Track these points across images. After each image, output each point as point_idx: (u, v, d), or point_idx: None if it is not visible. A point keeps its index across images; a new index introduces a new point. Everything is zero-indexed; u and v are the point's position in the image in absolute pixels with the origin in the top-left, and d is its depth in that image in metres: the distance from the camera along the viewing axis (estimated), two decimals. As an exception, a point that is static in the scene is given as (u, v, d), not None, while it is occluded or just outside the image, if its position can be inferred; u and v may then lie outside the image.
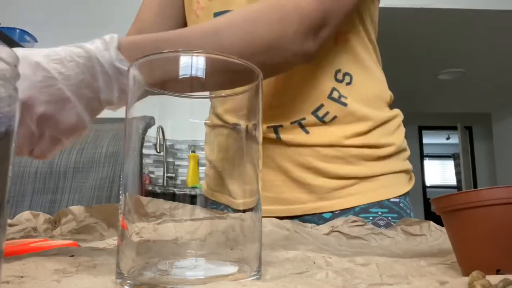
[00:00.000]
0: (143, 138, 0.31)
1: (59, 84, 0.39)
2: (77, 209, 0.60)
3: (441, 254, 0.40)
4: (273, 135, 0.67)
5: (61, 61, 0.39)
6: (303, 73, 0.65)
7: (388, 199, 0.66)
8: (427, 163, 7.84)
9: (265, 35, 0.51)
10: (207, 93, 0.33)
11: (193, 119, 0.30)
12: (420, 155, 6.75)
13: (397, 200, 0.67)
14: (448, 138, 8.40)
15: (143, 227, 0.29)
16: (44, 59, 0.39)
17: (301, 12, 0.53)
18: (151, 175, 0.38)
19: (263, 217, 0.33)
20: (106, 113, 0.49)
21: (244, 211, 0.31)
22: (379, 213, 0.65)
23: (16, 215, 0.61)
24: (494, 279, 0.24)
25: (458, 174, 7.12)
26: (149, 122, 0.30)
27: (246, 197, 0.31)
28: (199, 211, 0.31)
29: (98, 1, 2.70)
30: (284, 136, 0.66)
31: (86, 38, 0.43)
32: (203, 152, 0.40)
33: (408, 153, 0.73)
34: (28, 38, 2.45)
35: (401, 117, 0.74)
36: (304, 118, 0.66)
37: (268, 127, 0.67)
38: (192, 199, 0.31)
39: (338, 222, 0.56)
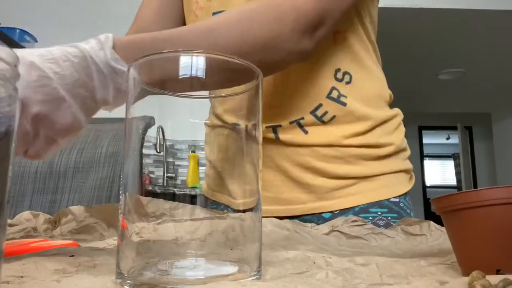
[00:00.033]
0: (143, 138, 0.31)
1: (54, 84, 0.39)
2: (77, 209, 0.60)
3: (441, 254, 0.40)
4: (272, 135, 0.67)
5: (55, 61, 0.39)
6: (302, 72, 0.65)
7: (388, 199, 0.66)
8: (427, 163, 7.84)
9: (262, 34, 0.51)
10: (207, 93, 0.33)
11: (193, 119, 0.30)
12: (420, 155, 6.75)
13: (397, 200, 0.67)
14: (448, 138, 8.40)
15: (143, 227, 0.29)
16: (38, 59, 0.39)
17: (298, 11, 0.53)
18: (151, 175, 0.38)
19: (263, 217, 0.33)
20: (106, 113, 0.49)
21: (244, 211, 0.31)
22: (379, 213, 0.65)
23: (16, 215, 0.61)
24: (494, 279, 0.24)
25: (458, 174, 7.12)
26: (149, 122, 0.30)
27: (246, 197, 0.31)
28: (199, 211, 0.31)
29: (98, 1, 2.70)
30: (283, 136, 0.66)
31: (86, 38, 0.43)
32: (203, 152, 0.40)
33: (408, 152, 0.73)
34: (28, 38, 2.45)
35: (401, 116, 0.74)
36: (302, 118, 0.66)
37: (266, 127, 0.67)
38: (192, 199, 0.31)
39: (338, 221, 0.56)
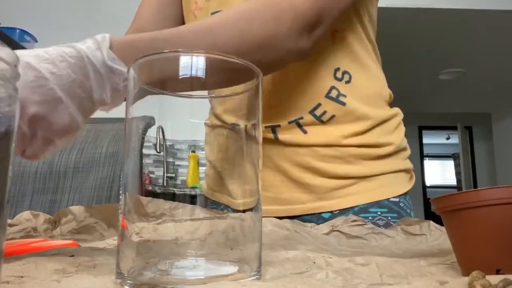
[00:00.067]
0: (143, 138, 0.31)
1: (51, 84, 0.39)
2: (77, 209, 0.60)
3: (441, 254, 0.40)
4: (271, 135, 0.67)
5: (52, 61, 0.39)
6: (300, 72, 0.65)
7: (388, 199, 0.66)
8: (427, 163, 7.84)
9: (260, 33, 0.51)
10: (207, 93, 0.33)
11: (193, 119, 0.30)
12: (420, 155, 6.75)
13: (397, 199, 0.67)
14: (448, 138, 8.40)
15: (143, 227, 0.29)
16: (34, 59, 0.38)
17: (296, 10, 0.53)
18: (151, 175, 0.38)
19: (262, 217, 0.33)
20: (106, 113, 0.49)
21: (244, 211, 0.31)
22: (379, 213, 0.65)
23: (16, 215, 0.61)
24: (494, 279, 0.24)
25: (458, 174, 7.12)
26: (149, 122, 0.30)
27: (246, 197, 0.31)
28: (199, 211, 0.31)
29: (98, 1, 2.70)
30: (282, 136, 0.66)
31: (86, 38, 0.43)
32: (203, 152, 0.40)
33: (408, 152, 0.73)
34: (28, 38, 2.45)
35: (401, 115, 0.74)
36: (301, 118, 0.66)
37: (266, 127, 0.67)
38: (192, 199, 0.31)
39: (338, 221, 0.56)
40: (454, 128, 6.43)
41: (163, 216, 0.31)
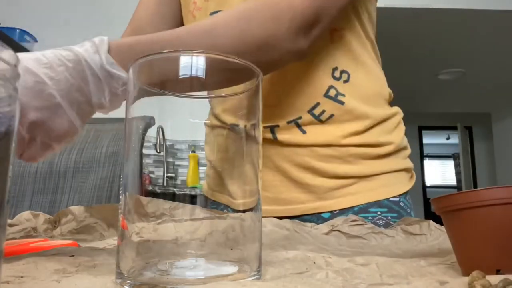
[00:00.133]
0: (143, 138, 0.31)
1: (50, 89, 0.38)
2: (77, 209, 0.60)
3: (441, 254, 0.40)
4: (269, 136, 0.67)
5: (50, 66, 0.39)
6: (298, 71, 0.65)
7: (388, 199, 0.66)
8: (427, 163, 7.84)
9: (259, 34, 0.51)
10: (206, 93, 0.33)
11: (193, 119, 0.30)
12: (420, 155, 6.75)
13: (397, 199, 0.67)
14: (448, 138, 8.40)
15: (143, 227, 0.29)
16: (33, 64, 0.38)
17: (294, 9, 0.53)
18: (151, 175, 0.38)
19: (262, 217, 0.33)
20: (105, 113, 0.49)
21: (244, 211, 0.31)
22: (378, 212, 0.65)
23: (16, 215, 0.61)
24: (494, 279, 0.24)
25: (458, 174, 7.12)
26: (149, 122, 0.30)
27: (246, 198, 0.31)
28: (199, 211, 0.31)
29: (98, 1, 2.70)
30: (281, 136, 0.66)
31: (86, 38, 0.43)
32: (203, 152, 0.40)
33: (408, 151, 0.73)
34: (28, 38, 2.45)
35: (400, 114, 0.73)
36: (300, 117, 0.66)
37: (264, 127, 0.67)
38: (192, 199, 0.31)
39: (338, 221, 0.56)
40: (454, 128, 6.43)
41: (163, 216, 0.31)
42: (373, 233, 0.53)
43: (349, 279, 0.29)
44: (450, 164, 8.39)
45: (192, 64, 0.29)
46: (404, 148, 0.71)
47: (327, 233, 0.54)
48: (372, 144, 0.67)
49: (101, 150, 1.09)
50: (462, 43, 3.63)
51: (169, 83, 0.30)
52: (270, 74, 0.65)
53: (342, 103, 0.66)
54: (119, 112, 0.44)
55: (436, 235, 0.50)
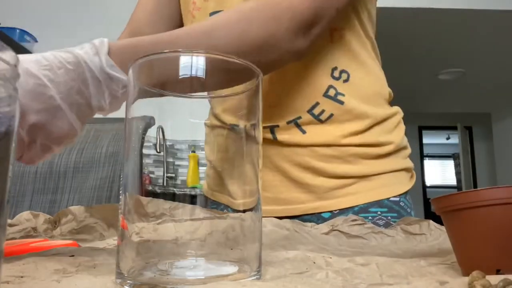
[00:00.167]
0: (143, 138, 0.31)
1: (50, 92, 0.38)
2: (77, 209, 0.60)
3: (441, 254, 0.40)
4: (269, 136, 0.67)
5: (50, 68, 0.39)
6: (298, 71, 0.65)
7: (388, 198, 0.66)
8: (427, 163, 7.84)
9: (259, 34, 0.51)
10: (206, 93, 0.33)
11: (193, 119, 0.30)
12: (420, 155, 6.75)
13: (397, 199, 0.67)
14: (448, 138, 8.40)
15: (143, 227, 0.29)
16: (34, 66, 0.38)
17: (294, 10, 0.53)
18: (151, 175, 0.38)
19: (262, 217, 0.33)
20: (106, 113, 0.49)
21: (244, 211, 0.31)
22: (379, 212, 0.65)
23: (16, 215, 0.61)
24: (494, 279, 0.24)
25: (458, 174, 7.12)
26: (149, 122, 0.30)
27: (246, 198, 0.31)
28: (199, 211, 0.31)
29: (98, 1, 2.70)
30: (281, 137, 0.66)
31: (86, 38, 0.43)
32: (203, 152, 0.40)
33: (408, 151, 0.73)
34: (28, 38, 2.45)
35: (400, 114, 0.73)
36: (300, 117, 0.66)
37: (264, 127, 0.66)
38: (192, 199, 0.31)
39: (337, 221, 0.56)
40: (454, 128, 6.43)
41: (163, 216, 0.31)
42: (373, 233, 0.53)
43: (349, 279, 0.29)
44: (450, 164, 8.39)
45: (192, 64, 0.29)
46: (404, 147, 0.71)
47: (327, 233, 0.54)
48: (372, 144, 0.67)
49: (101, 150, 1.09)
50: (462, 43, 3.63)
51: (169, 84, 0.30)
52: (269, 74, 0.65)
53: (341, 102, 0.66)
54: (119, 112, 0.44)
55: (436, 235, 0.50)
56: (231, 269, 0.29)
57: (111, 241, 0.49)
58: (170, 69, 0.30)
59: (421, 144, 6.83)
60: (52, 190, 1.05)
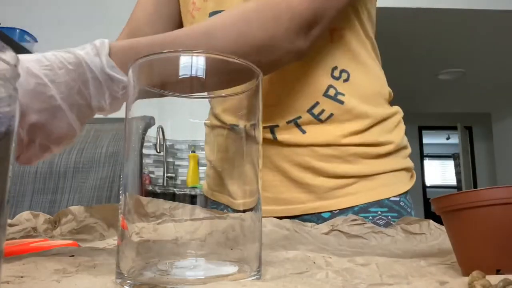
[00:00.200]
0: (143, 138, 0.31)
1: (51, 92, 0.38)
2: (77, 209, 0.60)
3: (441, 254, 0.40)
4: (269, 136, 0.67)
5: (51, 68, 0.39)
6: (298, 71, 0.65)
7: (388, 198, 0.66)
8: (427, 163, 7.84)
9: (259, 35, 0.51)
10: (206, 93, 0.33)
11: (193, 119, 0.30)
12: (420, 155, 6.75)
13: (397, 199, 0.67)
14: (448, 138, 8.41)
15: (143, 227, 0.29)
16: (35, 65, 0.38)
17: (293, 10, 0.53)
18: (151, 175, 0.38)
19: (262, 217, 0.33)
20: (106, 113, 0.48)
21: (244, 211, 0.31)
22: (379, 212, 0.65)
23: (16, 215, 0.61)
24: (494, 279, 0.24)
25: (458, 174, 7.12)
26: (149, 122, 0.30)
27: (246, 198, 0.31)
28: (199, 211, 0.31)
29: (98, 1, 2.70)
30: (281, 137, 0.66)
31: (86, 38, 0.43)
32: (203, 152, 0.40)
33: (409, 150, 0.73)
34: (28, 38, 2.45)
35: (401, 114, 0.73)
36: (300, 117, 0.66)
37: (264, 127, 0.66)
38: (192, 199, 0.31)
39: (337, 221, 0.56)
40: (454, 128, 6.44)
41: (163, 216, 0.31)
42: (373, 232, 0.53)
43: (349, 279, 0.29)
44: (450, 164, 8.39)
45: (192, 64, 0.29)
46: (404, 147, 0.71)
47: (327, 233, 0.54)
48: (372, 144, 0.67)
49: (101, 150, 1.09)
50: (462, 43, 3.63)
51: (169, 84, 0.30)
52: (269, 75, 0.65)
53: (341, 102, 0.66)
54: (119, 112, 0.44)
55: (436, 235, 0.50)
56: (231, 269, 0.29)
57: (111, 241, 0.49)
58: (170, 69, 0.30)
59: (421, 144, 6.83)
60: (52, 190, 1.05)
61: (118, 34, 0.77)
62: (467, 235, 0.28)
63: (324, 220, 0.64)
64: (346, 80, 0.66)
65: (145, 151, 0.31)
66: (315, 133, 0.66)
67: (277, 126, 0.66)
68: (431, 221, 0.53)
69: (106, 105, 0.43)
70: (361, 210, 0.65)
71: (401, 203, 0.67)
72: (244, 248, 0.30)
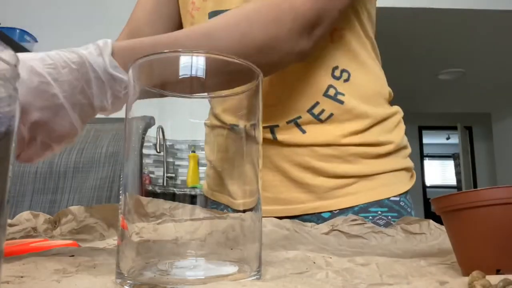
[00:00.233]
0: (143, 138, 0.31)
1: (54, 90, 0.39)
2: (77, 209, 0.60)
3: (441, 254, 0.40)
4: (269, 136, 0.67)
5: (55, 67, 0.39)
6: (298, 71, 0.65)
7: (388, 198, 0.66)
8: (427, 163, 7.84)
9: (260, 36, 0.51)
10: (206, 93, 0.33)
11: (193, 119, 0.30)
12: (420, 155, 6.75)
13: (397, 198, 0.67)
14: (448, 138, 8.40)
15: (143, 227, 0.29)
16: (39, 64, 0.38)
17: (296, 11, 0.53)
18: (151, 175, 0.38)
19: (262, 217, 0.33)
20: (106, 113, 0.49)
21: (244, 211, 0.31)
22: (379, 212, 0.65)
23: (16, 215, 0.61)
24: (494, 279, 0.24)
25: (458, 174, 7.12)
26: (149, 122, 0.30)
27: (246, 198, 0.31)
28: (199, 211, 0.31)
29: (98, 1, 2.70)
30: (281, 137, 0.66)
31: (86, 38, 0.43)
32: (203, 152, 0.40)
33: (409, 150, 0.73)
34: (28, 38, 2.45)
35: (401, 113, 0.73)
36: (300, 117, 0.66)
37: (264, 127, 0.66)
38: (192, 199, 0.31)
39: (337, 221, 0.56)
40: (454, 128, 6.43)
41: (163, 216, 0.31)
42: (373, 232, 0.53)
43: (349, 279, 0.29)
44: (450, 164, 8.39)
45: (192, 64, 0.29)
46: (404, 147, 0.71)
47: (327, 233, 0.54)
48: (372, 144, 0.67)
49: (101, 150, 1.09)
50: (462, 43, 3.63)
51: (169, 84, 0.30)
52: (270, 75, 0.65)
53: (341, 102, 0.66)
54: (119, 112, 0.44)
55: (436, 235, 0.50)
56: (231, 269, 0.29)
57: (111, 241, 0.49)
58: (170, 69, 0.30)
59: (421, 144, 6.83)
60: (52, 190, 1.05)
61: (118, 34, 0.77)
62: (467, 235, 0.28)
63: (324, 220, 0.64)
64: (346, 80, 0.66)
65: (145, 151, 0.31)
66: (315, 133, 0.66)
67: (277, 126, 0.66)
68: (431, 221, 0.53)
69: (108, 104, 0.43)
70: (361, 210, 0.65)
71: (401, 203, 0.67)
72: (244, 248, 0.30)
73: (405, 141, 0.72)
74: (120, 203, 0.29)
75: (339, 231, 0.54)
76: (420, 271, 0.31)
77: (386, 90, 0.72)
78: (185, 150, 0.38)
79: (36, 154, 0.42)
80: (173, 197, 0.30)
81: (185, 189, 0.33)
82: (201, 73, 0.29)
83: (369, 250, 0.45)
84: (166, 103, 0.31)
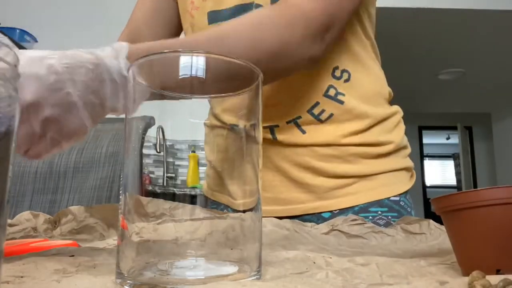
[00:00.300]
0: (143, 138, 0.31)
1: (69, 88, 0.39)
2: (77, 209, 0.60)
3: (441, 254, 0.40)
4: (269, 136, 0.67)
5: (71, 66, 0.40)
6: (298, 72, 0.65)
7: (388, 198, 0.66)
8: (427, 163, 7.84)
9: (272, 42, 0.51)
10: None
11: (193, 119, 0.30)
12: (420, 155, 6.75)
13: (397, 198, 0.67)
14: (448, 138, 8.40)
15: (143, 227, 0.29)
16: (57, 62, 0.39)
17: (307, 16, 0.53)
18: (151, 175, 0.38)
19: (262, 217, 0.33)
20: (106, 113, 0.49)
21: (244, 211, 0.31)
22: (379, 212, 0.65)
23: (16, 215, 0.61)
24: (494, 279, 0.24)
25: (458, 174, 7.12)
26: (149, 122, 0.30)
27: (246, 198, 0.31)
28: (199, 211, 0.31)
29: (98, 1, 2.70)
30: (281, 137, 0.66)
31: (86, 38, 0.43)
32: (203, 152, 0.40)
33: (408, 150, 0.73)
34: (28, 38, 2.45)
35: (400, 113, 0.74)
36: (300, 117, 0.66)
37: (264, 127, 0.67)
38: (192, 199, 0.31)
39: (337, 221, 0.56)
40: (454, 128, 6.43)
41: (163, 216, 0.31)
42: (373, 232, 0.53)
43: (349, 279, 0.29)
44: (450, 164, 8.39)
45: (192, 64, 0.29)
46: (404, 147, 0.71)
47: (327, 233, 0.54)
48: (372, 143, 0.67)
49: (101, 150, 1.09)
50: (462, 43, 3.63)
51: (169, 85, 0.30)
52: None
53: (341, 102, 0.66)
54: (119, 112, 0.44)
55: (436, 235, 0.50)
56: (231, 269, 0.29)
57: (111, 241, 0.49)
58: (170, 70, 0.30)
59: (421, 144, 6.83)
60: (52, 190, 1.05)
61: (118, 34, 0.77)
62: (467, 235, 0.28)
63: (324, 220, 0.64)
64: (347, 80, 0.66)
65: (145, 151, 0.31)
66: (315, 133, 0.66)
67: (277, 126, 0.66)
68: (431, 221, 0.53)
69: (120, 106, 0.44)
70: (361, 210, 0.65)
71: (401, 203, 0.67)
72: (244, 248, 0.30)
73: (405, 141, 0.72)
74: (120, 203, 0.29)
75: (339, 231, 0.54)
76: (420, 271, 0.31)
77: (386, 90, 0.72)
78: (185, 150, 0.38)
79: (45, 150, 0.43)
80: (173, 197, 0.30)
81: (185, 189, 0.33)
82: (201, 74, 0.29)
83: (369, 250, 0.45)
84: (166, 103, 0.31)
